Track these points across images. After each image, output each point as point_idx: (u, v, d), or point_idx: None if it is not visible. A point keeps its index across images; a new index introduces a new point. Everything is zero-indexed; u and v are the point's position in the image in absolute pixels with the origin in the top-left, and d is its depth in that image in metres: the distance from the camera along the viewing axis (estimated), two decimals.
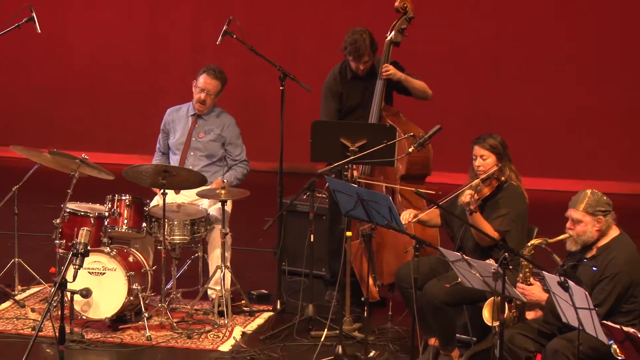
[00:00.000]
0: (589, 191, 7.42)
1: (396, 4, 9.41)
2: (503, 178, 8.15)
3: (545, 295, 7.33)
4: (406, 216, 8.36)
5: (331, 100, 9.53)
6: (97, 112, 14.58)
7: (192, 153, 9.63)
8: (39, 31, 9.67)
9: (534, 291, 7.45)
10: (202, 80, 9.58)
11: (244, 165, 9.70)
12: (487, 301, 7.59)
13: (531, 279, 7.50)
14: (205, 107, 9.61)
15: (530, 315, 7.65)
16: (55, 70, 14.62)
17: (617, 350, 6.81)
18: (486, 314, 7.62)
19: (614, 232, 7.41)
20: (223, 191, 9.08)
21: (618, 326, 6.64)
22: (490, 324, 7.58)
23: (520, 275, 7.53)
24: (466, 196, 8.04)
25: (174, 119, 9.77)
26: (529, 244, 7.63)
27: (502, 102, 13.75)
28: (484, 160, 8.16)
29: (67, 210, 9.14)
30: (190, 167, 9.48)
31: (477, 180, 8.13)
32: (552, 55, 13.67)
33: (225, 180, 9.26)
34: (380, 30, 9.41)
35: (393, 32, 9.40)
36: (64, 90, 14.71)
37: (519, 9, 13.71)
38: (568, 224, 7.43)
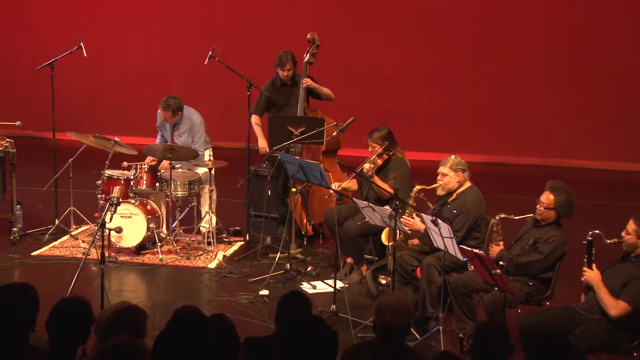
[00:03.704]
0: (453, 156, 7.58)
1: (308, 36, 9.32)
2: (391, 153, 8.18)
3: (422, 226, 7.43)
4: (334, 186, 8.36)
5: (262, 101, 9.43)
6: (125, 108, 14.43)
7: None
8: (85, 55, 9.60)
9: (415, 222, 7.56)
10: (160, 112, 9.43)
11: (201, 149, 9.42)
12: (385, 229, 7.67)
13: (414, 215, 7.60)
14: (173, 123, 9.47)
15: (412, 242, 7.76)
16: (96, 79, 14.47)
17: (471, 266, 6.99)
18: (383, 237, 7.72)
19: (468, 184, 7.56)
20: (210, 162, 9.11)
21: (470, 248, 6.76)
22: (386, 244, 7.69)
23: (407, 213, 7.63)
24: (366, 168, 8.10)
25: (161, 121, 9.60)
26: (411, 193, 7.72)
27: (391, 100, 13.74)
28: (374, 148, 8.19)
29: (106, 175, 9.13)
30: None
31: (373, 157, 8.15)
32: (420, 67, 13.69)
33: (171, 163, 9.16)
34: (299, 55, 9.39)
35: (307, 56, 9.31)
36: (103, 93, 14.54)
37: (404, 33, 13.69)
38: (439, 177, 7.55)
